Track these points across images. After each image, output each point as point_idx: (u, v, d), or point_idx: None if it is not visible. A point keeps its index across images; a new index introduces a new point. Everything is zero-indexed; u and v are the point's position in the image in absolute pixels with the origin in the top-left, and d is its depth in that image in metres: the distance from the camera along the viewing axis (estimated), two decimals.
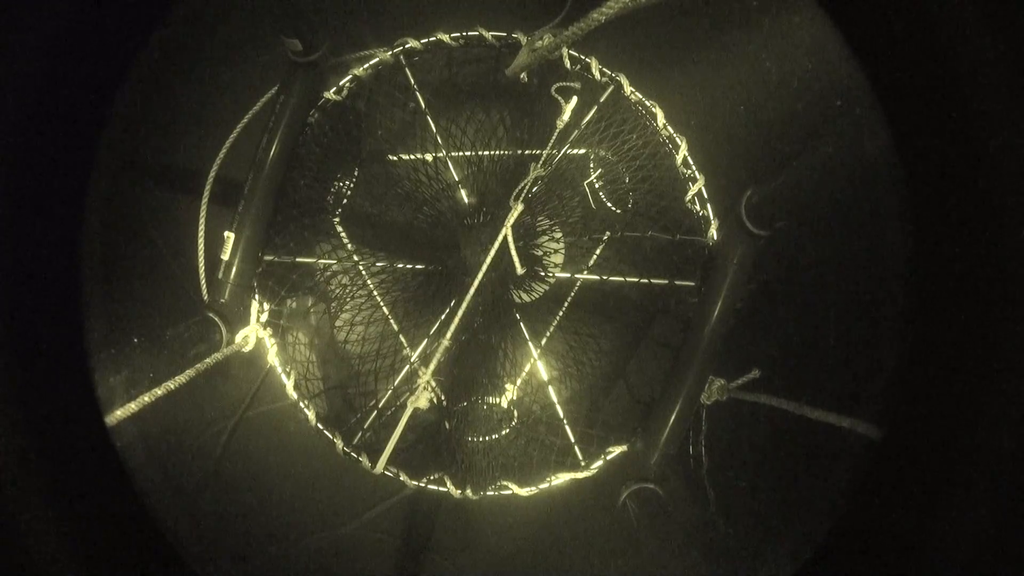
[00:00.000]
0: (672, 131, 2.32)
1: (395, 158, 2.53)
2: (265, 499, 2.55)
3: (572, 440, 2.43)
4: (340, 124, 2.45)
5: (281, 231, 2.35)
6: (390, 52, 2.35)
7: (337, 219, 2.52)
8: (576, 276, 2.47)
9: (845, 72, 1.91)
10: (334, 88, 2.38)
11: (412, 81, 2.44)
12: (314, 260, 2.44)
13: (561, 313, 2.53)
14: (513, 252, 2.13)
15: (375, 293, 2.52)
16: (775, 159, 2.18)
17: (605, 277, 2.44)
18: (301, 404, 2.29)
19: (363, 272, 2.51)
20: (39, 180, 1.18)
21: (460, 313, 2.13)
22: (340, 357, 2.52)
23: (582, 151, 2.44)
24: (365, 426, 2.40)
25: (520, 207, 2.12)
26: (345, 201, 2.54)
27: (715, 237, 2.29)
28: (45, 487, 1.08)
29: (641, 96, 2.31)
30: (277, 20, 2.11)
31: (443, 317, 2.44)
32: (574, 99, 2.20)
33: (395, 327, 2.52)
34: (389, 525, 2.61)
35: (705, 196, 2.31)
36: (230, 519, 2.45)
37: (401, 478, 2.27)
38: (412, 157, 2.51)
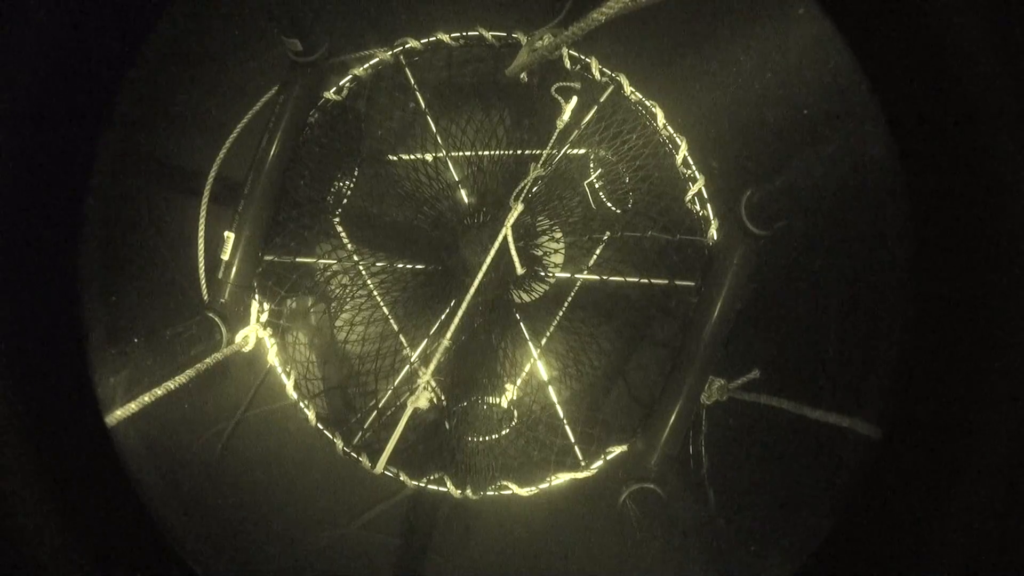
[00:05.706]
0: (672, 131, 2.33)
1: (395, 158, 2.53)
2: (265, 499, 2.55)
3: (572, 440, 2.43)
4: (340, 124, 2.45)
5: (281, 231, 2.35)
6: (390, 52, 2.35)
7: (337, 219, 2.52)
8: (576, 276, 2.47)
9: (845, 72, 1.91)
10: (334, 88, 2.38)
11: (412, 81, 2.44)
12: (314, 260, 2.44)
13: (561, 313, 2.53)
14: (513, 252, 2.13)
15: (375, 293, 2.52)
16: (775, 159, 2.18)
17: (605, 277, 2.44)
18: (301, 404, 2.29)
19: (363, 272, 2.51)
20: (39, 180, 1.18)
21: (460, 313, 2.13)
22: (340, 357, 2.52)
23: (582, 151, 2.44)
24: (365, 426, 2.40)
25: (520, 207, 2.12)
26: (345, 201, 2.54)
27: (715, 237, 2.29)
28: (45, 487, 1.08)
29: (641, 96, 2.31)
30: (277, 20, 2.11)
31: (443, 317, 2.44)
32: (574, 99, 2.20)
33: (395, 327, 2.52)
34: (389, 525, 2.61)
35: (705, 196, 2.31)
36: (230, 519, 2.45)
37: (401, 478, 2.27)
38: (412, 157, 2.51)
